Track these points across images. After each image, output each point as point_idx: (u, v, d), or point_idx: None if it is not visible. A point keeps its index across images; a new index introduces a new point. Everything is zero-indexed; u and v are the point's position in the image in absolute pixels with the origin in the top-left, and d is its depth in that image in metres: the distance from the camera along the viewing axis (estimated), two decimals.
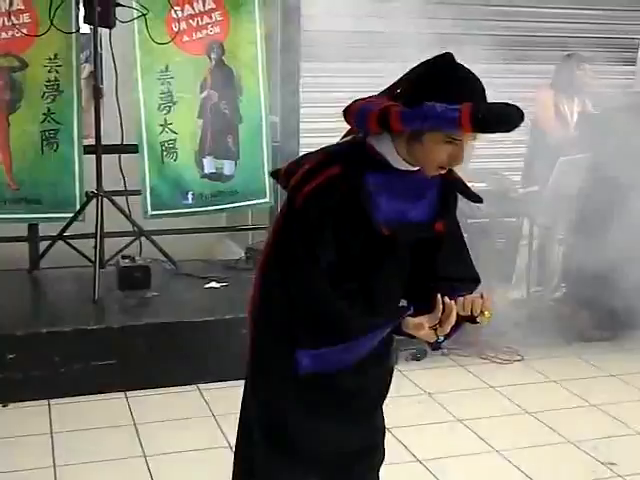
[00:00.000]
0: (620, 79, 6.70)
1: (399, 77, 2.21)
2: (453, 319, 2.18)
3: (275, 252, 2.24)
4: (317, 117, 5.81)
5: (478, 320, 2.26)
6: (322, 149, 2.27)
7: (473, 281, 2.41)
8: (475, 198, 2.35)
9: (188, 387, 4.46)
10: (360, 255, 2.22)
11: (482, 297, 2.25)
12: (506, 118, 2.03)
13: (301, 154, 2.36)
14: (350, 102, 2.21)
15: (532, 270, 5.75)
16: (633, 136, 4.99)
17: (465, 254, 2.46)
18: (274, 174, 2.44)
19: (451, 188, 2.32)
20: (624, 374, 4.85)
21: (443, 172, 2.19)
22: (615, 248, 4.89)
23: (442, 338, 2.24)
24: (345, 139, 2.31)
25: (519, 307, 5.80)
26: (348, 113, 2.20)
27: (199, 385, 4.48)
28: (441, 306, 2.17)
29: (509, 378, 4.76)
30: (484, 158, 6.41)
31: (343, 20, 5.74)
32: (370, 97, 2.22)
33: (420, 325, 2.20)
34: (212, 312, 4.65)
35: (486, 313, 2.25)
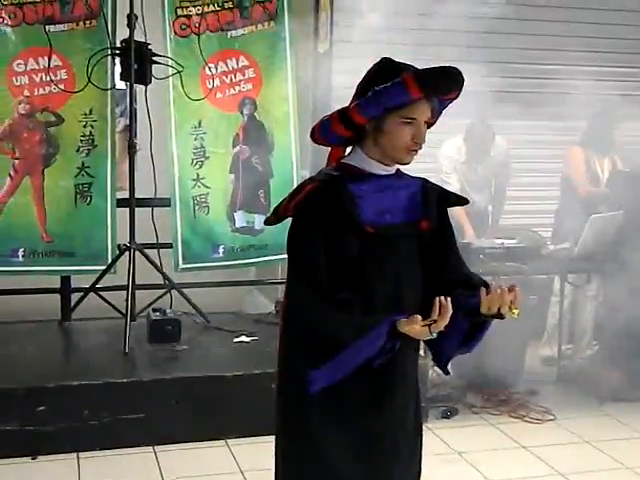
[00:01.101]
0: None
1: None
2: (448, 316, 2.14)
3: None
4: None
5: (506, 315, 2.23)
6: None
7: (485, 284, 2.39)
8: (460, 200, 2.48)
9: (216, 442, 4.43)
10: (354, 258, 2.28)
11: (510, 291, 2.24)
12: (446, 74, 2.23)
13: None
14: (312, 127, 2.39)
15: (563, 328, 5.70)
16: None
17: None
18: (266, 222, 2.54)
19: (432, 191, 2.42)
20: None
21: (414, 154, 2.30)
22: None
23: (435, 335, 2.16)
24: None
25: (550, 365, 5.75)
26: (314, 133, 2.37)
27: (227, 440, 4.45)
28: (437, 304, 2.15)
29: (541, 438, 4.69)
30: (515, 214, 6.42)
31: None
32: None
33: (413, 320, 2.16)
34: (241, 366, 4.64)
35: (515, 310, 2.23)
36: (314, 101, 5.92)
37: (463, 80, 2.25)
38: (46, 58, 5.06)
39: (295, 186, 2.45)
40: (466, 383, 5.26)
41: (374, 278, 2.31)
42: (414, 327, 2.15)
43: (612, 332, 5.21)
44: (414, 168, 2.44)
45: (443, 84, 2.26)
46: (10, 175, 5.17)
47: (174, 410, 4.42)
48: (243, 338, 5.15)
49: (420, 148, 2.30)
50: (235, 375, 4.54)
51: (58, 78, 5.16)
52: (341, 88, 5.88)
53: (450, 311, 2.14)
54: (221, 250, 5.51)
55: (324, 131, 2.35)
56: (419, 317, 2.15)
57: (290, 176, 5.61)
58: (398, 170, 2.41)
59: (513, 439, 4.67)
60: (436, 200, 2.42)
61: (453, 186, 5.73)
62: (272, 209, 2.49)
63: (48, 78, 5.09)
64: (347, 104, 2.34)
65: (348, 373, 2.24)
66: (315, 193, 2.29)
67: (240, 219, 5.54)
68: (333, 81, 5.89)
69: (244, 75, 5.49)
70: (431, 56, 5.13)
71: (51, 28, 5.10)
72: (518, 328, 5.45)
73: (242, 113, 5.51)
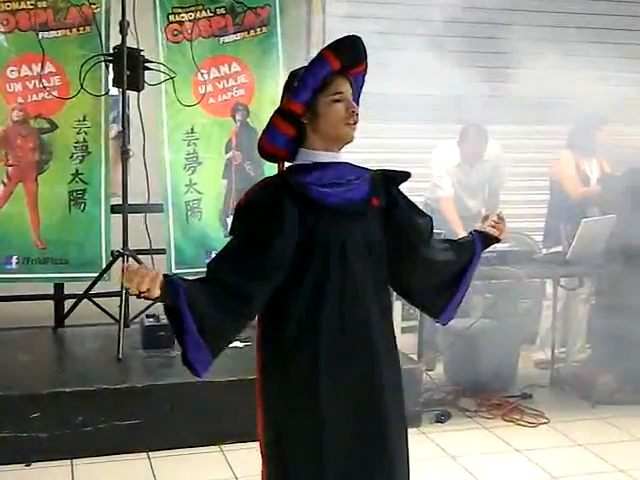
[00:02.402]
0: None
1: None
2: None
3: None
4: None
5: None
6: None
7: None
8: (402, 175, 2.55)
9: (211, 448, 4.43)
10: (318, 239, 2.36)
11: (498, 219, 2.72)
12: (354, 42, 2.42)
13: None
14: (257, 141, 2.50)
15: (556, 331, 5.71)
16: None
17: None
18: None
19: (376, 175, 2.52)
20: None
21: (354, 127, 2.41)
22: None
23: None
24: None
25: (543, 368, 5.77)
26: (262, 144, 2.49)
27: (222, 446, 4.46)
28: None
29: (534, 441, 4.70)
30: (507, 218, 6.44)
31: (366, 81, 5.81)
32: None
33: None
34: (235, 372, 4.63)
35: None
36: None
37: (366, 50, 2.44)
38: (39, 65, 5.08)
39: None
40: (460, 387, 5.28)
41: (327, 260, 2.37)
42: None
43: (605, 335, 5.23)
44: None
45: (355, 51, 2.43)
46: (3, 182, 5.18)
47: (168, 416, 4.42)
48: (237, 343, 5.14)
49: (357, 120, 2.42)
50: (229, 380, 4.53)
51: (52, 85, 5.17)
52: None
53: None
54: (214, 255, 5.50)
55: (270, 135, 2.45)
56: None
57: None
58: (346, 162, 2.50)
59: (507, 443, 4.68)
60: (383, 180, 2.53)
61: (446, 190, 5.76)
62: None
63: (41, 85, 5.10)
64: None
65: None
66: (263, 187, 2.42)
67: None
68: None
69: (236, 81, 5.51)
70: (424, 60, 5.20)
71: (45, 35, 5.12)
72: (511, 332, 5.49)
73: (235, 119, 5.52)
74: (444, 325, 2.83)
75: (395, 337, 2.55)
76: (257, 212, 2.36)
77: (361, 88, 2.53)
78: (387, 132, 5.94)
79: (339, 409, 2.38)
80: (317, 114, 2.40)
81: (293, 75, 2.48)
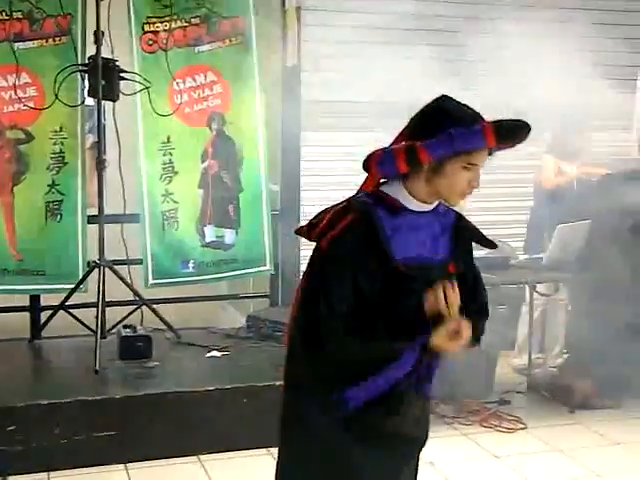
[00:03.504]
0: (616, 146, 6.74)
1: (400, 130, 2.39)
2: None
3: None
4: (318, 186, 5.87)
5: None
6: (340, 202, 2.39)
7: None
8: (489, 244, 2.51)
9: (189, 458, 4.42)
10: (380, 291, 2.30)
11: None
12: (520, 127, 2.30)
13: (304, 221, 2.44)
14: (368, 154, 2.35)
15: (534, 337, 5.74)
16: (633, 203, 5.03)
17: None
18: (297, 231, 2.55)
19: (463, 232, 2.47)
20: (629, 442, 4.80)
21: (464, 200, 2.36)
22: (617, 314, 4.90)
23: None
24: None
25: (521, 374, 5.79)
26: (371, 160, 2.33)
27: (200, 456, 4.44)
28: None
29: (513, 447, 4.72)
30: (484, 225, 6.46)
31: (343, 90, 5.84)
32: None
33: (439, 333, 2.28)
34: (213, 381, 4.62)
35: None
36: (283, 115, 5.93)
37: (530, 128, 2.32)
38: (14, 75, 5.05)
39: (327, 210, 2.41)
40: (438, 394, 5.28)
41: (398, 312, 2.35)
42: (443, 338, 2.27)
43: (582, 340, 5.26)
44: None
45: (517, 138, 2.33)
46: None
47: (146, 427, 4.40)
48: (214, 353, 5.14)
49: (471, 192, 2.35)
50: (207, 390, 4.52)
51: (27, 95, 5.14)
52: (310, 102, 5.93)
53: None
54: (191, 265, 5.50)
55: (385, 163, 2.32)
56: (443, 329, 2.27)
57: (259, 190, 5.62)
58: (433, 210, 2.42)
59: (485, 449, 4.69)
60: (466, 241, 2.49)
61: None
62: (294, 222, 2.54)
63: (17, 96, 5.07)
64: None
65: (374, 395, 2.32)
66: (350, 228, 2.29)
67: (210, 234, 5.54)
68: (302, 95, 5.92)
69: (212, 90, 5.51)
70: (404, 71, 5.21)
71: (20, 45, 5.10)
72: (489, 338, 5.50)
73: (211, 128, 5.52)
74: None
75: None
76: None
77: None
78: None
79: None
80: (441, 172, 2.29)
81: (442, 112, 2.31)
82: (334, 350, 2.29)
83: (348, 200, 2.39)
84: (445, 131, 2.24)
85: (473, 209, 6.47)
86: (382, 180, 2.40)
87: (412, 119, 2.37)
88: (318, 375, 2.34)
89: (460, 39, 5.87)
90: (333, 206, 2.40)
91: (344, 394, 2.32)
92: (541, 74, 5.74)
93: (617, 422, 5.10)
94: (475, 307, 2.52)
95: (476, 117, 2.29)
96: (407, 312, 2.35)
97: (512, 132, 2.30)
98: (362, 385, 2.31)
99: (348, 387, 2.31)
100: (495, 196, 6.57)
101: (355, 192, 2.45)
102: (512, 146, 2.35)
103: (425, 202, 2.35)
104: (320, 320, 2.27)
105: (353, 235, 2.28)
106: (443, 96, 2.36)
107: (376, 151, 2.34)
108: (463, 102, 2.34)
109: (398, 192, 2.34)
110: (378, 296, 2.30)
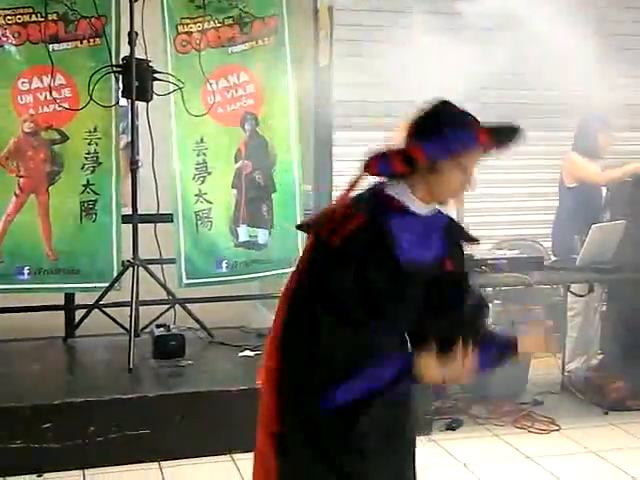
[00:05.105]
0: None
1: None
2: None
3: (308, 293, 2.35)
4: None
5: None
6: (345, 199, 2.41)
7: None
8: (472, 240, 2.57)
9: (222, 457, 4.44)
10: (385, 290, 2.34)
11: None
12: (512, 129, 2.37)
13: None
14: (369, 154, 2.38)
15: (568, 338, 5.70)
16: None
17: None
18: (299, 227, 2.64)
19: (454, 231, 2.54)
20: None
21: (457, 197, 2.43)
22: None
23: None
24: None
25: (555, 375, 5.75)
26: (369, 163, 2.37)
27: (233, 455, 4.46)
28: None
29: (546, 448, 4.69)
30: (516, 225, 6.44)
31: (374, 89, 5.83)
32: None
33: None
34: (246, 381, 4.64)
35: None
36: (315, 115, 5.94)
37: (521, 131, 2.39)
38: (50, 76, 5.10)
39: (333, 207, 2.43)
40: (471, 395, 5.26)
41: (401, 310, 2.40)
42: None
43: (616, 341, 5.22)
44: None
45: (509, 140, 2.39)
46: (15, 193, 5.20)
47: (179, 425, 4.42)
48: (247, 352, 5.16)
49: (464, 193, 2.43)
50: (240, 389, 4.54)
51: (62, 96, 5.20)
52: (342, 102, 5.94)
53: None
54: (224, 265, 5.53)
55: (382, 165, 2.37)
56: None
57: (292, 190, 5.63)
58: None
59: (518, 450, 4.67)
60: (457, 239, 2.54)
61: None
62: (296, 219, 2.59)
63: (52, 97, 5.13)
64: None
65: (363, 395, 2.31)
66: (361, 231, 2.32)
67: (243, 234, 5.56)
68: (334, 95, 5.92)
69: (245, 90, 5.53)
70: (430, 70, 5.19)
71: (55, 47, 5.16)
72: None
73: (244, 128, 5.54)
74: None
75: None
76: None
77: None
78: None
79: None
80: (436, 171, 2.35)
81: (439, 114, 2.36)
82: (341, 352, 2.29)
83: (354, 199, 2.41)
84: (441, 132, 2.31)
85: (501, 208, 6.48)
86: (384, 180, 2.43)
87: (412, 121, 2.42)
88: (323, 373, 2.33)
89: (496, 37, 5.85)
90: (336, 205, 2.43)
91: (333, 392, 2.31)
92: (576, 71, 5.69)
93: None
94: (470, 308, 2.53)
95: (472, 121, 2.35)
96: (407, 312, 2.40)
97: (504, 135, 2.37)
98: (349, 384, 2.29)
99: (336, 385, 2.30)
100: (526, 195, 6.55)
101: (357, 192, 2.46)
102: (505, 149, 2.40)
103: (427, 203, 2.41)
104: (325, 322, 2.29)
105: (365, 235, 2.32)
106: (444, 101, 2.41)
107: (376, 151, 2.39)
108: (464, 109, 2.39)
109: (402, 194, 2.39)
110: (382, 296, 2.34)
